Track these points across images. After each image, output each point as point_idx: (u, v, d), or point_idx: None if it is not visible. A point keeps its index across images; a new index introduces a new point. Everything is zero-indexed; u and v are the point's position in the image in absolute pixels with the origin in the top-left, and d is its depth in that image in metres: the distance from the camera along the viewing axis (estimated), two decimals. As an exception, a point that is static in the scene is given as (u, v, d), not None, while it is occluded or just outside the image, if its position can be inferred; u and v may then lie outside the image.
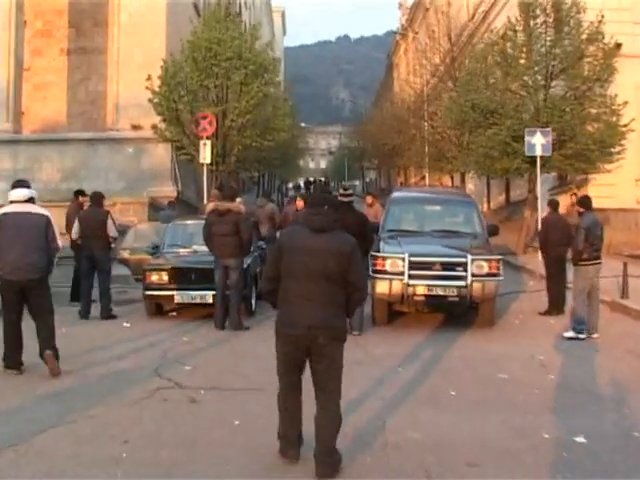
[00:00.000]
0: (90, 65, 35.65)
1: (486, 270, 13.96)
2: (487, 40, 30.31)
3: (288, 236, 7.11)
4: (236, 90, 28.18)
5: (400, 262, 13.90)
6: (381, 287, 14.05)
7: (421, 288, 13.88)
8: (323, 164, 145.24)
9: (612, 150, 26.01)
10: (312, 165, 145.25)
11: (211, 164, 27.72)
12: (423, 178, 46.56)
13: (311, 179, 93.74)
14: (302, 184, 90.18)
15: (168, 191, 31.31)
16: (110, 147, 33.68)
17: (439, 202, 16.73)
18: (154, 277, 15.15)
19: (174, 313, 15.97)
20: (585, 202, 14.42)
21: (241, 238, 14.08)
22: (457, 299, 13.88)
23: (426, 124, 40.13)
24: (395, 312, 15.00)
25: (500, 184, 39.79)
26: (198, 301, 15.03)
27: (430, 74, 42.73)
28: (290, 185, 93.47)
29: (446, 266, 13.92)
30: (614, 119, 25.95)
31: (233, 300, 14.12)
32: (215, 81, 28.02)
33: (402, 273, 13.82)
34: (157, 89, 27.87)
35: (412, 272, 13.82)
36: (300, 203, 18.48)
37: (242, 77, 27.70)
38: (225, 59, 27.57)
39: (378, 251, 14.31)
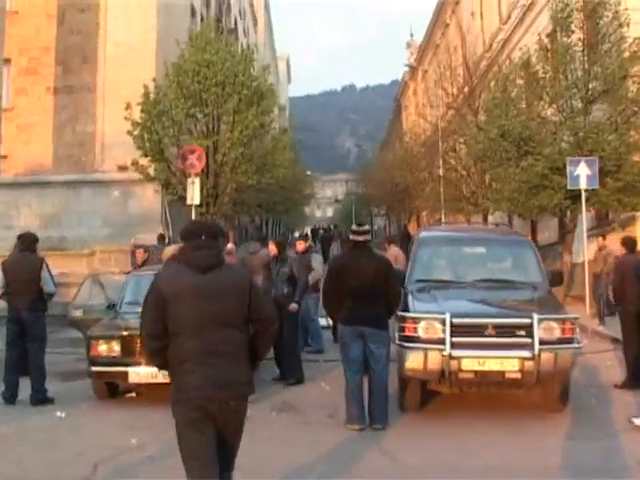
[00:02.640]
0: (78, 104, 33.26)
1: (558, 334, 9.99)
2: (514, 61, 26.76)
3: (169, 280, 5.61)
4: (228, 120, 24.57)
5: (438, 325, 9.96)
6: (413, 361, 10.03)
7: (469, 361, 9.88)
8: (330, 212, 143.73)
9: (664, 183, 22.18)
10: (319, 213, 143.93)
11: (201, 205, 24.02)
12: (438, 221, 42.58)
13: (318, 226, 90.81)
14: (309, 232, 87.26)
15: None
16: (94, 190, 31.13)
17: (483, 242, 12.59)
18: (102, 347, 11.19)
19: (133, 394, 12.02)
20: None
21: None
22: (519, 376, 9.92)
23: (442, 160, 36.37)
24: (429, 391, 11.01)
25: (525, 226, 35.70)
26: (160, 380, 10.99)
27: (446, 106, 39.08)
28: (297, 234, 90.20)
29: (503, 330, 9.96)
30: (665, 148, 22.18)
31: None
32: (204, 109, 24.42)
33: (442, 341, 9.86)
34: (139, 120, 24.22)
35: (456, 339, 9.85)
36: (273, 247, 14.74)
37: (235, 104, 24.03)
38: (215, 84, 23.91)
39: (407, 310, 10.37)
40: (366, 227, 10.33)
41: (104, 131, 31.07)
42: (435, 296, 10.78)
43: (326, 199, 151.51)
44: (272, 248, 14.16)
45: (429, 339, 9.98)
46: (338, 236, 38.46)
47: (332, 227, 66.30)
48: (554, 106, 23.72)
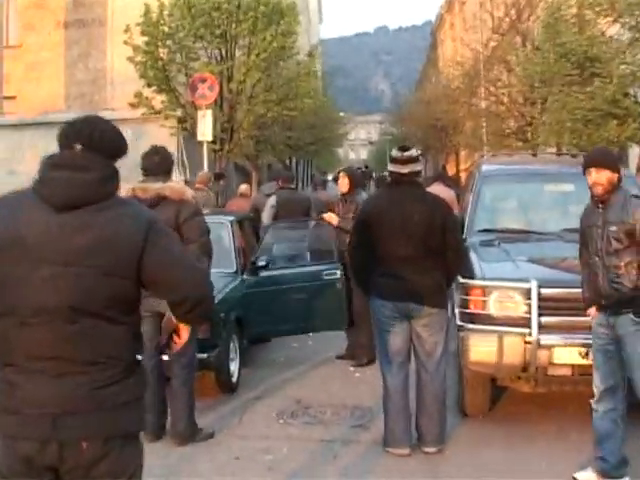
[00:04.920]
0: (90, 39, 31.88)
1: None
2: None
3: (3, 219, 3.12)
4: (244, 44, 21.42)
5: (519, 297, 6.76)
6: (481, 350, 6.82)
7: (564, 352, 6.68)
8: (364, 154, 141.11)
9: None
10: (352, 155, 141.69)
11: (214, 142, 20.99)
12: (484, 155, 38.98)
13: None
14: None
15: (174, 181, 25.30)
16: (104, 129, 28.27)
17: (569, 177, 8.80)
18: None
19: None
20: None
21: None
22: (638, 370, 6.74)
23: (484, 90, 32.92)
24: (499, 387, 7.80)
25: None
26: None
27: (490, 31, 35.46)
28: (330, 177, 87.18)
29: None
30: None
31: (177, 381, 6.96)
32: (215, 30, 21.13)
33: (525, 321, 6.67)
34: (140, 44, 21.08)
35: (546, 319, 6.68)
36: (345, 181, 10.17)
37: (251, 24, 20.74)
38: (227, 0, 20.63)
39: (471, 275, 7.14)
40: (413, 152, 6.79)
41: (113, 66, 28.66)
42: (509, 253, 7.53)
43: (360, 141, 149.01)
44: (343, 183, 10.13)
45: (506, 319, 6.79)
46: (369, 176, 34.98)
47: (363, 168, 61.86)
48: (621, 21, 20.28)
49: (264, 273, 9.51)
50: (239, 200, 15.99)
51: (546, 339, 6.63)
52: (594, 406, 5.99)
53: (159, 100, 22.32)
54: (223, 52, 21.74)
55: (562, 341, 6.69)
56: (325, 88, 38.93)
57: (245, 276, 9.36)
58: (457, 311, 7.07)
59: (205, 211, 7.94)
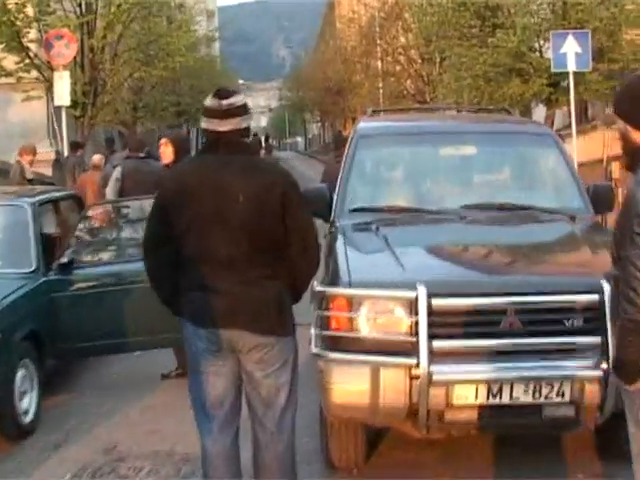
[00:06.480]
0: None
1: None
2: None
3: None
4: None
5: (401, 311, 4.65)
6: (348, 388, 4.67)
7: (468, 389, 4.61)
8: (264, 122, 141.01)
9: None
10: (252, 123, 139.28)
11: (74, 107, 18.79)
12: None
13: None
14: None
15: (44, 153, 23.02)
16: (-38, 97, 26.07)
17: (473, 138, 6.86)
18: None
19: None
20: None
21: None
22: (571, 413, 4.65)
23: (380, 50, 31.49)
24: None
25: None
26: None
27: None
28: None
29: (537, 318, 4.69)
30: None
31: None
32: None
33: (410, 347, 4.57)
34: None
35: (441, 343, 4.60)
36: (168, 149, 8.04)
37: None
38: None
39: (334, 278, 4.96)
40: (238, 99, 4.35)
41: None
42: (390, 243, 5.36)
43: (260, 108, 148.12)
44: (166, 152, 7.99)
45: (383, 343, 4.66)
46: (260, 144, 32.94)
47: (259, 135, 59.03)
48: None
49: (79, 271, 7.20)
50: (91, 173, 14.20)
51: (441, 371, 4.54)
52: None
53: (12, 60, 19.79)
54: (83, 5, 19.33)
55: (464, 374, 4.62)
56: (222, 52, 36.92)
57: (51, 276, 7.05)
58: (313, 332, 4.89)
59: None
